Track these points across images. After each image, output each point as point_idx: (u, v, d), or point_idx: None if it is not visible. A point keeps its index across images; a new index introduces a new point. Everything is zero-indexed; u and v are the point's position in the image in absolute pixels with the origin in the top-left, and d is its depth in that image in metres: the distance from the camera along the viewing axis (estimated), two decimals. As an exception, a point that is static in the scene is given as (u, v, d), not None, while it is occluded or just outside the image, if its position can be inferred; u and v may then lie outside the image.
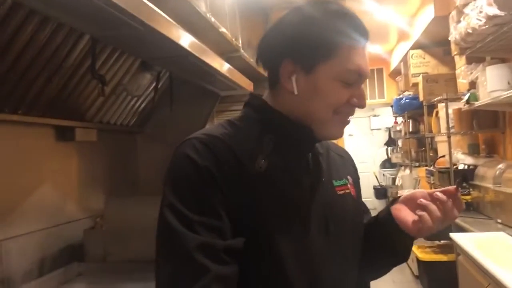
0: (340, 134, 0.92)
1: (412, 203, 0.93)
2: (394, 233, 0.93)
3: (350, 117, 0.92)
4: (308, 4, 0.90)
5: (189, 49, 1.70)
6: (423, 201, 0.89)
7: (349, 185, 0.98)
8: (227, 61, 2.51)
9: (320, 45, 0.86)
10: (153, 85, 2.65)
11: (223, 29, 2.57)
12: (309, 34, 0.86)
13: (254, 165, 0.84)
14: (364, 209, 1.06)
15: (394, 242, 0.95)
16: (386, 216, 0.95)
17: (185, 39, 1.68)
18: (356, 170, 1.07)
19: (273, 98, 0.93)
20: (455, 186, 0.91)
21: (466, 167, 3.70)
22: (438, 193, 0.90)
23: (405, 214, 0.92)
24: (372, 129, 8.37)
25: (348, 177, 1.00)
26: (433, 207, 0.88)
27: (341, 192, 0.95)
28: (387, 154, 7.71)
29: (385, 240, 0.95)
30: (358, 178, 1.06)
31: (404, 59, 5.30)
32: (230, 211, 0.81)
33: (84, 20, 1.39)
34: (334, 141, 1.04)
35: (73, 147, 2.41)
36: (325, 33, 0.86)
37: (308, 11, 0.89)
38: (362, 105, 0.89)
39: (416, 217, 0.89)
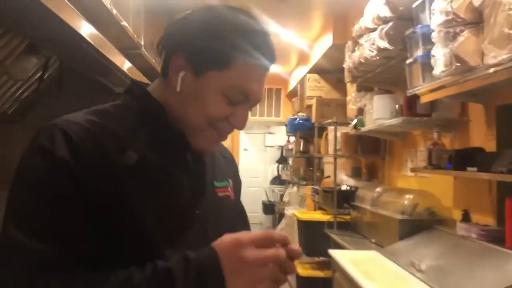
0: (210, 149, 0.87)
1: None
2: None
3: (226, 136, 0.86)
4: (224, 7, 0.84)
5: (82, 34, 1.58)
6: None
7: (229, 188, 0.95)
8: (126, 57, 2.40)
9: (218, 52, 0.80)
10: (40, 72, 2.43)
11: (124, 23, 2.46)
12: (211, 37, 0.80)
13: (123, 157, 0.77)
14: (242, 213, 1.04)
15: None
16: None
17: (79, 23, 1.56)
18: (237, 173, 1.04)
19: (159, 88, 0.87)
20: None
21: (348, 188, 3.93)
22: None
23: None
24: (266, 146, 8.58)
25: (229, 180, 0.96)
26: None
27: (221, 194, 0.92)
28: (278, 171, 7.95)
29: None
30: (240, 182, 1.03)
31: (301, 82, 5.54)
32: (91, 208, 0.73)
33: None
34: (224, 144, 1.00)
35: None
36: (227, 42, 0.79)
37: (219, 14, 0.83)
38: (239, 128, 0.85)
39: None
